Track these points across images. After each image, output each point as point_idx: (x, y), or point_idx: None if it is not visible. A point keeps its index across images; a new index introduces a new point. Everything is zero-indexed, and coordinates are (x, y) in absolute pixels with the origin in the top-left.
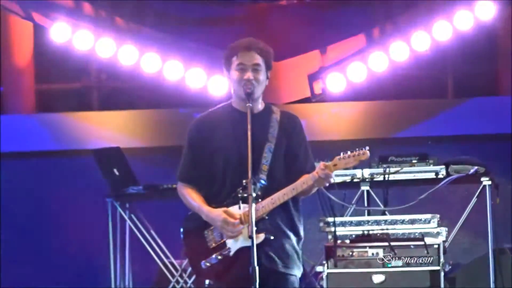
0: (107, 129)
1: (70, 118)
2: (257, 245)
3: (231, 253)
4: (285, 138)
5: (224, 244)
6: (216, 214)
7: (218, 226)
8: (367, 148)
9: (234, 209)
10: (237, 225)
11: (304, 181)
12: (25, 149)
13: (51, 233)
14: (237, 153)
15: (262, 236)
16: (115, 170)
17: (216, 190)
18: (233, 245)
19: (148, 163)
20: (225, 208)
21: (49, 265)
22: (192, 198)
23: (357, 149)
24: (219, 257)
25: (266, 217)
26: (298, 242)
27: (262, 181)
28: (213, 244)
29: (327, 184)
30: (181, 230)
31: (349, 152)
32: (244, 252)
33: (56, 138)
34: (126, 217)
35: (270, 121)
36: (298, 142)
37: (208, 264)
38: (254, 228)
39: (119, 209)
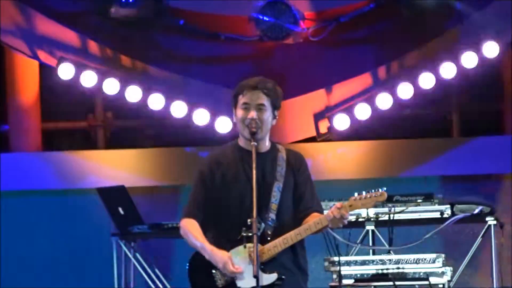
0: (112, 168)
1: (75, 156)
2: (268, 284)
3: None
4: (292, 176)
5: (234, 283)
6: (220, 256)
7: (219, 267)
8: (384, 189)
9: (239, 249)
10: (237, 271)
11: (318, 221)
12: (30, 187)
13: (55, 272)
14: (248, 193)
15: (274, 276)
16: (120, 209)
17: (226, 229)
18: (243, 285)
19: (153, 202)
20: (229, 255)
21: None
22: (195, 236)
23: (373, 190)
24: None
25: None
26: (304, 280)
27: (272, 221)
28: (223, 283)
29: (341, 225)
30: (187, 268)
31: (364, 193)
32: None
33: (62, 177)
34: (131, 256)
35: (277, 160)
36: (304, 180)
37: None
38: (259, 267)
39: (124, 248)
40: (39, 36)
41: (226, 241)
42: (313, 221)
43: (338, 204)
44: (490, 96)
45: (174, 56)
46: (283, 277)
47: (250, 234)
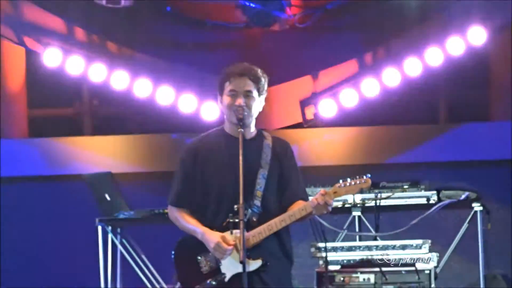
0: (99, 154)
1: (62, 143)
2: (253, 270)
3: (226, 279)
4: (278, 164)
5: (219, 269)
6: (212, 236)
7: (210, 247)
8: (369, 176)
9: (226, 235)
10: (228, 251)
11: (302, 208)
12: (17, 174)
13: (42, 258)
14: (232, 179)
15: (259, 262)
16: (106, 195)
17: (210, 216)
18: (228, 271)
19: (140, 188)
20: (222, 234)
21: None
22: (187, 220)
23: (358, 176)
24: (214, 283)
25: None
26: (290, 266)
27: (257, 208)
28: (208, 269)
29: (325, 212)
30: (173, 254)
31: (349, 180)
32: (239, 277)
33: (48, 163)
34: (117, 242)
35: (262, 147)
36: (289, 167)
37: None
38: (245, 253)
39: (110, 234)
40: (25, 22)
41: (211, 228)
42: (297, 208)
43: (322, 190)
44: (477, 83)
45: (161, 43)
46: (268, 263)
47: (236, 220)
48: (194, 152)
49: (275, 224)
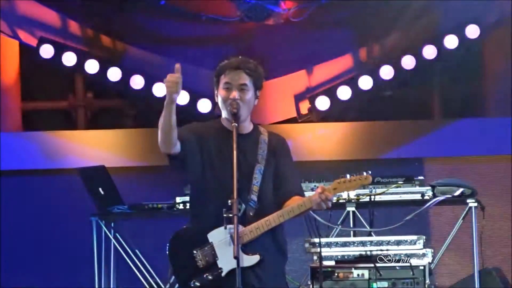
0: (93, 148)
1: (56, 136)
2: (249, 266)
3: (223, 274)
4: (274, 159)
5: (215, 264)
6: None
7: (166, 87)
8: (370, 172)
9: (220, 230)
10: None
11: (301, 204)
12: (10, 167)
13: (35, 251)
14: (228, 174)
15: (256, 257)
16: (100, 189)
17: (206, 209)
18: (225, 265)
19: (134, 182)
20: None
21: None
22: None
23: (358, 173)
24: (210, 277)
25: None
26: (284, 262)
27: (254, 202)
28: (204, 264)
29: (325, 207)
30: (167, 248)
31: (349, 176)
32: (235, 272)
33: (42, 157)
34: (111, 236)
35: (259, 142)
36: (285, 163)
37: (197, 284)
38: (239, 248)
39: (104, 228)
40: (19, 16)
41: (207, 222)
42: (296, 203)
43: (321, 187)
44: (472, 78)
45: (155, 37)
46: (264, 259)
47: (230, 215)
48: (199, 131)
49: (273, 219)
